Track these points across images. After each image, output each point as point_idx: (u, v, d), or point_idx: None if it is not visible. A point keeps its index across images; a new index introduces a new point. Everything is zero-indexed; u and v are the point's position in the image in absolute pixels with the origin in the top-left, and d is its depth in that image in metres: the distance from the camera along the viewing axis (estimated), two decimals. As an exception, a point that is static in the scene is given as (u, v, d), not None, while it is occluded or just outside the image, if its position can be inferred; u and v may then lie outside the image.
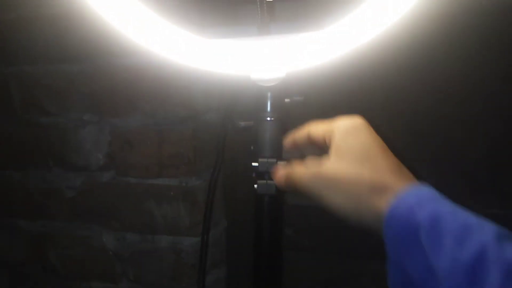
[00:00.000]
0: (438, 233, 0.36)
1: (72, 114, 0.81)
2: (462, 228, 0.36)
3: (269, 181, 0.50)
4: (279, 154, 0.52)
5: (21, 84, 0.83)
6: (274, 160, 0.50)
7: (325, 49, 0.47)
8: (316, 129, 0.48)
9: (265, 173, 0.51)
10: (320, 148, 0.48)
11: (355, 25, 0.45)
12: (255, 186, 0.51)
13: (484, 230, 0.35)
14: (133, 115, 0.78)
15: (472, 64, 0.67)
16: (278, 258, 0.54)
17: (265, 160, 0.50)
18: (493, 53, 0.66)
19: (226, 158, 0.83)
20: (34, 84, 0.82)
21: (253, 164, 0.51)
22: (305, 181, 0.45)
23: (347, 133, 0.44)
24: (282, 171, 0.49)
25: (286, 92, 0.51)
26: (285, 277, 0.85)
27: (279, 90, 0.51)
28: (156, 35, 0.47)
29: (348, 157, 0.43)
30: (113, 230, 0.83)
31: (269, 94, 0.50)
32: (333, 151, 0.44)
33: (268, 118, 0.51)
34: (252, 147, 0.53)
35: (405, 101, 0.71)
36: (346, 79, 0.68)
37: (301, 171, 0.45)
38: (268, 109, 0.51)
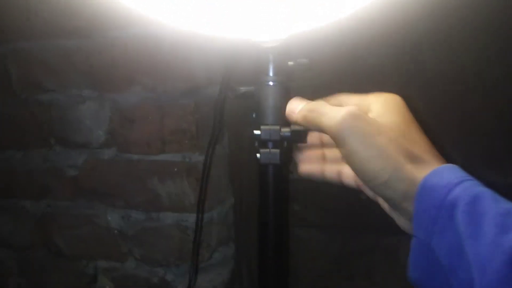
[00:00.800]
0: (478, 215, 0.33)
1: (71, 90, 0.79)
2: (506, 214, 0.32)
3: (272, 150, 0.47)
4: (283, 120, 0.49)
5: (18, 61, 0.81)
6: (277, 127, 0.47)
7: (332, 8, 0.44)
8: (348, 100, 0.44)
9: (268, 141, 0.48)
10: None
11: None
12: (258, 155, 0.48)
13: None
14: (133, 90, 0.75)
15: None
16: (284, 233, 0.51)
17: (267, 127, 0.47)
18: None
19: (230, 132, 0.80)
20: (31, 61, 0.80)
21: (255, 132, 0.48)
22: (338, 120, 0.39)
23: (387, 107, 0.41)
24: (303, 102, 0.45)
25: (290, 54, 0.48)
26: (294, 255, 0.83)
27: (282, 52, 0.47)
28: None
29: (387, 124, 0.40)
30: (117, 208, 0.81)
31: (271, 57, 0.47)
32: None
33: (271, 83, 0.47)
34: (253, 114, 0.50)
35: (417, 65, 0.67)
36: (354, 42, 0.64)
37: (334, 108, 0.41)
38: (270, 72, 0.47)
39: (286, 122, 0.50)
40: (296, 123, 0.46)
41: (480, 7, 0.63)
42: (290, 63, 0.48)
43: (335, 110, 0.41)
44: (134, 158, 0.78)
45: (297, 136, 0.48)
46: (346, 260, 0.91)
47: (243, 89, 0.48)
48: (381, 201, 0.44)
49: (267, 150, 0.47)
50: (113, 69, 0.75)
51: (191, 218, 0.78)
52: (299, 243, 0.83)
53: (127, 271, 0.83)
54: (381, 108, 0.41)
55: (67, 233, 0.85)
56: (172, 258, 0.80)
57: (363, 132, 0.38)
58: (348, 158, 0.40)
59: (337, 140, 0.40)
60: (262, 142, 0.48)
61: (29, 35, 0.79)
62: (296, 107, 0.46)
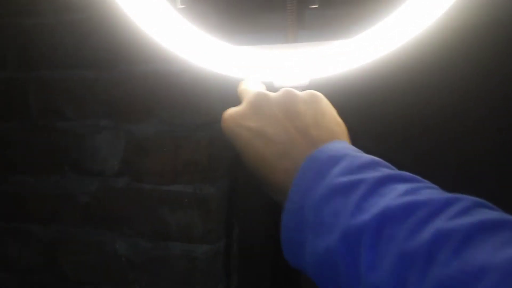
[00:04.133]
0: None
1: (88, 120, 0.82)
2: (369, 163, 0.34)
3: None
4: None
5: (39, 89, 0.84)
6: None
7: (350, 59, 0.48)
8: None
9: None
10: None
11: (380, 35, 0.45)
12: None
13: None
14: (150, 121, 0.78)
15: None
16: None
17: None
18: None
19: (238, 166, 0.83)
20: (52, 89, 0.83)
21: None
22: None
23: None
24: (252, 84, 0.47)
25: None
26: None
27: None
28: (183, 39, 0.47)
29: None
30: (126, 236, 0.82)
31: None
32: None
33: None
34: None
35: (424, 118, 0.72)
36: (370, 89, 0.68)
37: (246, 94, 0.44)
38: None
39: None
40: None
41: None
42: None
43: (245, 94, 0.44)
44: (146, 188, 0.80)
45: None
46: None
47: None
48: None
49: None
50: (132, 101, 0.79)
51: (199, 248, 0.79)
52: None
53: (132, 299, 0.83)
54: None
55: (74, 258, 0.86)
56: (178, 287, 0.81)
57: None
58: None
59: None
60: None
61: (51, 64, 0.82)
62: (243, 83, 0.48)
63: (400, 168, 0.34)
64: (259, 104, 0.41)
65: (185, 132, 0.77)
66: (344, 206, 0.31)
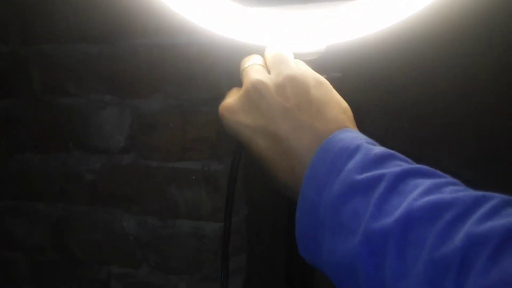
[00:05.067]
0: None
1: (92, 95, 0.80)
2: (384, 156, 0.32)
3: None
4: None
5: (41, 64, 0.82)
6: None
7: (368, 21, 0.45)
8: None
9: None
10: None
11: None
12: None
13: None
14: (156, 96, 0.76)
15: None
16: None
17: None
18: None
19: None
20: (54, 65, 0.81)
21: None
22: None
23: None
24: (255, 59, 0.42)
25: (323, 68, 0.49)
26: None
27: (315, 65, 0.48)
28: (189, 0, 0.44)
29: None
30: (134, 214, 0.81)
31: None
32: None
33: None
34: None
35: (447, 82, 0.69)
36: (386, 58, 0.65)
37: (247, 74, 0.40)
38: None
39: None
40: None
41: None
42: (324, 76, 0.49)
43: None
44: (153, 165, 0.78)
45: None
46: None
47: None
48: None
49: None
50: (136, 75, 0.76)
51: (207, 226, 0.78)
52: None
53: (141, 278, 0.82)
54: None
55: (82, 237, 0.85)
56: (186, 266, 0.80)
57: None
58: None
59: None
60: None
61: (53, 38, 0.80)
62: (245, 63, 0.43)
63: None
64: (258, 95, 0.38)
65: (192, 107, 0.75)
66: (363, 207, 0.30)
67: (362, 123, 0.41)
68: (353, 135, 0.35)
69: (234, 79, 0.76)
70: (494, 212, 0.25)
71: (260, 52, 0.45)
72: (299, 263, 0.52)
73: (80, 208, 0.84)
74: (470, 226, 0.25)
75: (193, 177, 0.77)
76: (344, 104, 0.40)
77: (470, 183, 0.30)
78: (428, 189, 0.28)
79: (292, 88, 0.38)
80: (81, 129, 0.81)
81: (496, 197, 0.27)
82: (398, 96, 0.70)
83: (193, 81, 0.73)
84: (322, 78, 0.40)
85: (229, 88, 0.74)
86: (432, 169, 0.31)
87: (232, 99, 0.40)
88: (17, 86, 0.84)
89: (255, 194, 0.85)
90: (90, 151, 0.81)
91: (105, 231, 0.83)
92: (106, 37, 0.77)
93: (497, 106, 0.70)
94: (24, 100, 0.84)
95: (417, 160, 0.33)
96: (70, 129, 0.82)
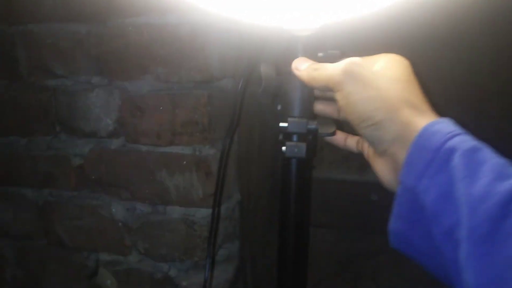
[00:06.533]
0: (476, 161, 0.33)
1: (80, 77, 0.77)
2: (503, 164, 0.33)
3: (298, 143, 0.46)
4: (310, 113, 0.47)
5: (27, 44, 0.79)
6: (305, 120, 0.46)
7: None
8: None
9: (293, 135, 0.46)
10: None
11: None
12: (283, 148, 0.46)
13: None
14: (145, 79, 0.73)
15: None
16: (306, 230, 0.50)
17: (295, 119, 0.46)
18: None
19: (242, 129, 0.79)
20: (40, 45, 0.78)
21: (281, 124, 0.46)
22: (341, 67, 0.40)
23: (391, 63, 0.42)
24: (309, 61, 0.45)
25: (320, 45, 0.47)
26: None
27: (312, 42, 0.46)
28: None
29: (388, 74, 0.40)
30: (122, 200, 0.79)
31: (300, 47, 0.46)
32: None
33: (299, 74, 0.46)
34: (278, 107, 0.48)
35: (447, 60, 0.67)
36: (386, 34, 0.63)
37: (334, 64, 0.42)
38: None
39: (313, 115, 0.49)
40: (299, 79, 0.45)
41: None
42: (320, 54, 0.47)
43: (338, 63, 0.42)
44: (142, 149, 0.76)
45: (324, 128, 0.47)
46: (352, 262, 0.90)
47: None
48: (366, 149, 0.45)
49: (294, 143, 0.46)
50: (125, 57, 0.73)
51: (198, 212, 0.76)
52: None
53: (130, 265, 0.81)
54: (385, 63, 0.42)
55: (69, 223, 0.83)
56: (177, 253, 0.78)
57: (363, 75, 0.40)
58: (344, 101, 0.40)
59: (337, 85, 0.41)
60: (288, 135, 0.46)
61: (39, 17, 0.77)
62: (302, 64, 0.45)
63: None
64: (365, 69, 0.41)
65: (183, 90, 0.72)
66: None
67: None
68: (448, 130, 0.37)
69: (227, 61, 0.73)
70: None
71: (256, 30, 0.43)
72: (292, 250, 0.50)
73: (68, 194, 0.82)
74: None
75: (184, 162, 0.75)
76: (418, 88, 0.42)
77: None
78: None
79: (393, 67, 0.42)
80: (68, 111, 0.78)
81: None
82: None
83: (183, 63, 0.71)
84: (403, 58, 0.43)
85: (221, 70, 0.72)
86: None
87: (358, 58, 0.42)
88: (1, 67, 0.81)
89: (248, 180, 0.83)
90: (78, 135, 0.79)
91: (93, 217, 0.81)
92: (94, 16, 0.74)
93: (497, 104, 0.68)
94: (10, 81, 0.81)
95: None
96: (57, 112, 0.79)
